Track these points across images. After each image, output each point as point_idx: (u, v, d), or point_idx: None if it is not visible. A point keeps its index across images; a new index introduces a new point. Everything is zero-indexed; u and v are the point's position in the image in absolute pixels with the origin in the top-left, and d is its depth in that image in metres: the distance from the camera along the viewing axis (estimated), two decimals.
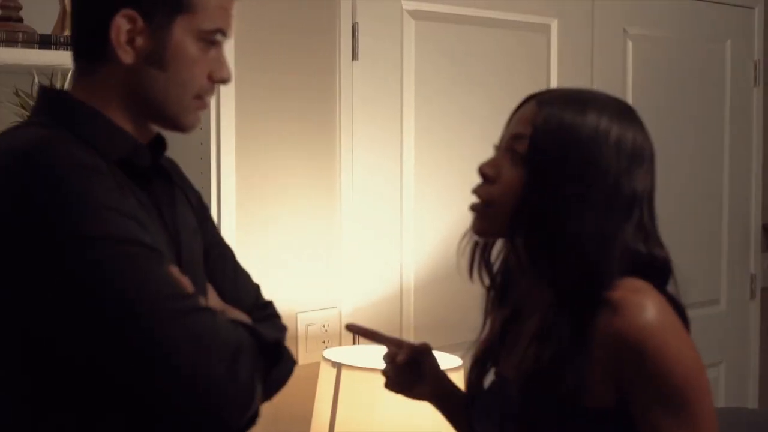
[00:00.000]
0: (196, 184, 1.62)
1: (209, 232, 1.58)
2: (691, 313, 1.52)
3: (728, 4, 3.74)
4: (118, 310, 1.20)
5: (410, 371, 1.74)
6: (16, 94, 2.07)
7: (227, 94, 2.49)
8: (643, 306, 1.43)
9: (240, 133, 2.53)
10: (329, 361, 2.46)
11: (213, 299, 1.44)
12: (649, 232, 1.51)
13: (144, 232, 1.27)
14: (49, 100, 1.41)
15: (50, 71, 2.10)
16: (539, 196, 1.48)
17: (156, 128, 1.46)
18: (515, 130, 1.54)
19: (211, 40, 1.39)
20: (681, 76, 3.60)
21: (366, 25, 2.76)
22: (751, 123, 3.86)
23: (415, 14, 2.87)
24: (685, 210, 3.58)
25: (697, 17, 3.66)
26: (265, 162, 2.60)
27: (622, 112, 1.53)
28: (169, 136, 1.48)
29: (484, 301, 1.69)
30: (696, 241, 3.63)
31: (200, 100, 1.42)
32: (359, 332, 1.81)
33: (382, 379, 1.77)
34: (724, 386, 3.82)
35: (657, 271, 1.51)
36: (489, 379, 1.68)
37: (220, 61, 1.42)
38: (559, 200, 1.46)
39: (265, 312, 1.57)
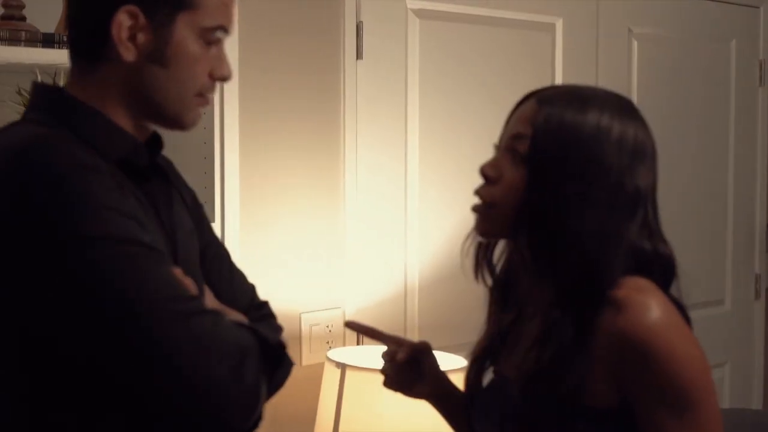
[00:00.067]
0: (200, 183, 1.62)
1: (205, 231, 1.57)
2: (695, 314, 1.52)
3: (733, 4, 3.74)
4: (118, 310, 1.20)
5: (410, 370, 1.73)
6: (19, 93, 2.06)
7: (231, 93, 2.48)
8: (648, 305, 1.42)
9: (243, 132, 2.53)
10: (333, 361, 2.45)
11: (210, 300, 1.44)
12: (653, 229, 1.51)
13: (144, 231, 1.26)
14: (46, 98, 1.40)
15: (53, 70, 2.09)
16: (541, 195, 1.47)
17: (153, 126, 1.45)
18: (515, 129, 1.53)
19: (212, 37, 1.39)
20: (686, 75, 3.60)
21: (370, 24, 2.75)
22: (756, 123, 3.86)
23: (420, 13, 2.86)
24: (690, 210, 3.58)
25: (702, 17, 3.65)
26: (269, 162, 2.59)
27: (623, 108, 1.52)
28: (172, 135, 1.47)
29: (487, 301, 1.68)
30: (701, 241, 3.63)
31: (201, 97, 1.41)
32: (359, 330, 1.81)
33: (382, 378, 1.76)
34: (729, 387, 3.82)
35: (661, 268, 1.50)
36: (487, 378, 1.68)
37: (221, 59, 1.41)
38: (561, 199, 1.45)
39: (261, 312, 1.56)
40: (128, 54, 1.34)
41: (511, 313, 1.64)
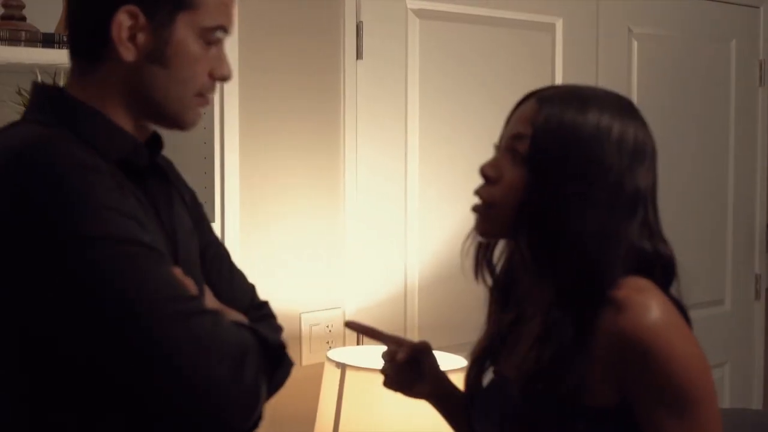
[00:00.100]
0: (200, 183, 1.61)
1: (205, 231, 1.57)
2: (695, 314, 1.51)
3: (733, 4, 3.74)
4: (118, 310, 1.20)
5: (410, 370, 1.73)
6: (19, 93, 2.06)
7: (231, 93, 2.48)
8: (648, 306, 1.42)
9: (244, 132, 2.53)
10: (333, 361, 2.45)
11: (209, 300, 1.44)
12: (653, 229, 1.51)
13: (144, 232, 1.26)
14: (46, 98, 1.39)
15: (53, 70, 2.09)
16: (541, 195, 1.47)
17: (153, 127, 1.44)
18: (515, 129, 1.52)
19: (212, 37, 1.38)
20: (686, 75, 3.60)
21: (370, 24, 2.75)
22: (756, 123, 3.86)
23: (420, 13, 2.86)
24: (690, 210, 3.58)
25: (703, 17, 3.65)
26: (269, 162, 2.59)
27: (623, 108, 1.52)
28: (172, 134, 1.47)
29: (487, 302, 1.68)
30: (701, 241, 3.63)
31: (201, 97, 1.41)
32: (358, 329, 1.81)
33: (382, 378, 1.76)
34: (729, 387, 3.82)
35: (661, 269, 1.50)
36: (487, 378, 1.67)
37: (221, 59, 1.41)
38: (561, 199, 1.45)
39: (261, 312, 1.56)
40: (128, 54, 1.34)
41: (511, 313, 1.63)
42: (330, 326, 2.71)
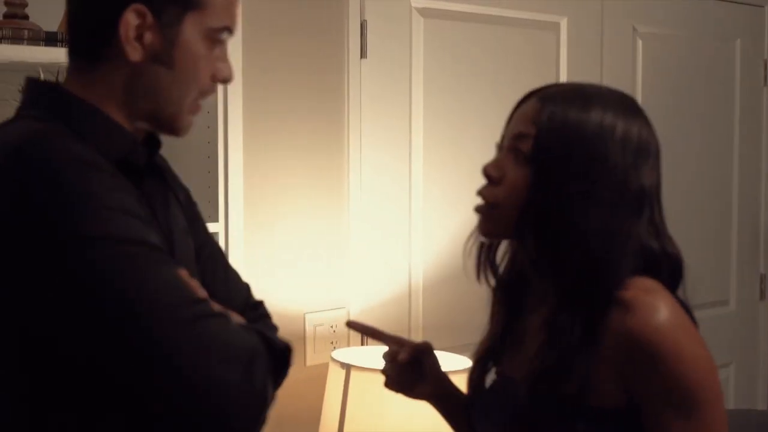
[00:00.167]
0: (203, 183, 1.60)
1: (199, 231, 1.56)
2: (700, 314, 1.51)
3: (738, 3, 3.74)
4: (118, 310, 1.19)
5: (411, 371, 1.72)
6: (21, 91, 2.05)
7: (234, 92, 2.48)
8: (656, 307, 1.41)
9: (247, 132, 2.52)
10: (338, 362, 2.44)
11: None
12: (659, 229, 1.50)
13: (149, 231, 1.25)
14: (43, 94, 1.38)
15: (56, 69, 2.08)
16: (545, 195, 1.46)
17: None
18: (518, 128, 1.51)
19: (217, 38, 1.38)
20: (690, 74, 3.59)
21: (374, 23, 2.74)
22: (760, 122, 3.85)
23: (424, 12, 2.85)
24: (694, 210, 3.57)
25: (707, 16, 3.65)
26: (273, 161, 2.59)
27: (627, 106, 1.51)
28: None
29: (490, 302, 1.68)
30: (705, 241, 3.63)
31: (198, 102, 1.39)
32: (360, 330, 1.80)
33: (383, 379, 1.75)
34: (734, 388, 3.82)
35: (669, 269, 1.50)
36: (490, 378, 1.67)
37: (224, 60, 1.40)
38: (565, 198, 1.44)
39: (257, 312, 1.55)
40: (135, 54, 1.32)
41: (515, 313, 1.63)
42: (334, 326, 2.71)
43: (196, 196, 1.61)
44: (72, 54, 1.39)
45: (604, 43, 3.32)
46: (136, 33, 1.32)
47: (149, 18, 1.32)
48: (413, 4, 2.83)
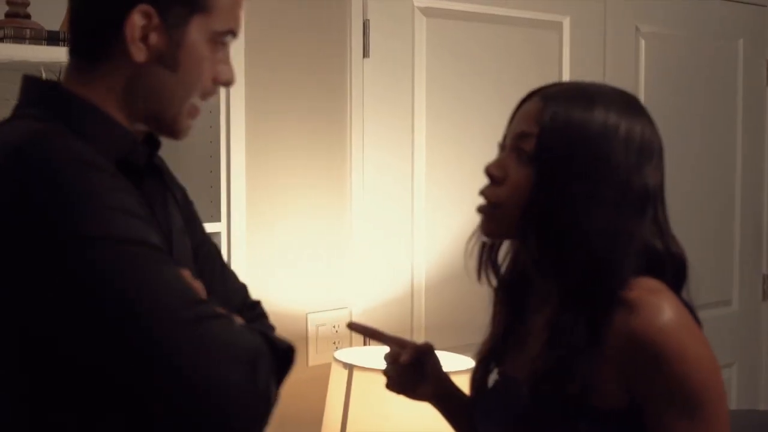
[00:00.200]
0: (206, 182, 1.60)
1: (196, 230, 1.55)
2: (702, 314, 1.50)
3: (741, 3, 3.73)
4: (118, 310, 1.18)
5: (413, 371, 1.72)
6: None
7: (237, 92, 2.48)
8: (660, 307, 1.41)
9: (250, 131, 2.52)
10: (340, 362, 2.44)
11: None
12: (663, 228, 1.50)
13: (147, 230, 1.24)
14: (42, 92, 1.37)
15: (58, 68, 2.08)
16: (547, 194, 1.45)
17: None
18: (520, 128, 1.51)
19: (221, 41, 1.37)
20: (693, 74, 3.59)
21: (377, 22, 2.74)
22: (763, 122, 3.85)
23: (427, 11, 2.85)
24: (697, 210, 3.57)
25: (710, 15, 3.64)
26: (275, 161, 2.59)
27: (630, 105, 1.51)
28: None
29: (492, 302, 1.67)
30: (707, 240, 3.63)
31: (199, 103, 1.39)
32: (361, 331, 1.80)
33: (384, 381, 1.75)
34: (736, 388, 3.81)
35: (673, 269, 1.49)
36: (492, 379, 1.67)
37: (226, 63, 1.40)
38: (568, 198, 1.44)
39: (255, 312, 1.54)
40: (140, 54, 1.32)
41: (517, 313, 1.62)
42: (336, 326, 2.70)
43: (198, 195, 1.61)
44: (72, 53, 1.38)
45: (606, 43, 3.32)
46: (141, 34, 1.31)
47: (155, 19, 1.31)
48: (416, 4, 2.83)
